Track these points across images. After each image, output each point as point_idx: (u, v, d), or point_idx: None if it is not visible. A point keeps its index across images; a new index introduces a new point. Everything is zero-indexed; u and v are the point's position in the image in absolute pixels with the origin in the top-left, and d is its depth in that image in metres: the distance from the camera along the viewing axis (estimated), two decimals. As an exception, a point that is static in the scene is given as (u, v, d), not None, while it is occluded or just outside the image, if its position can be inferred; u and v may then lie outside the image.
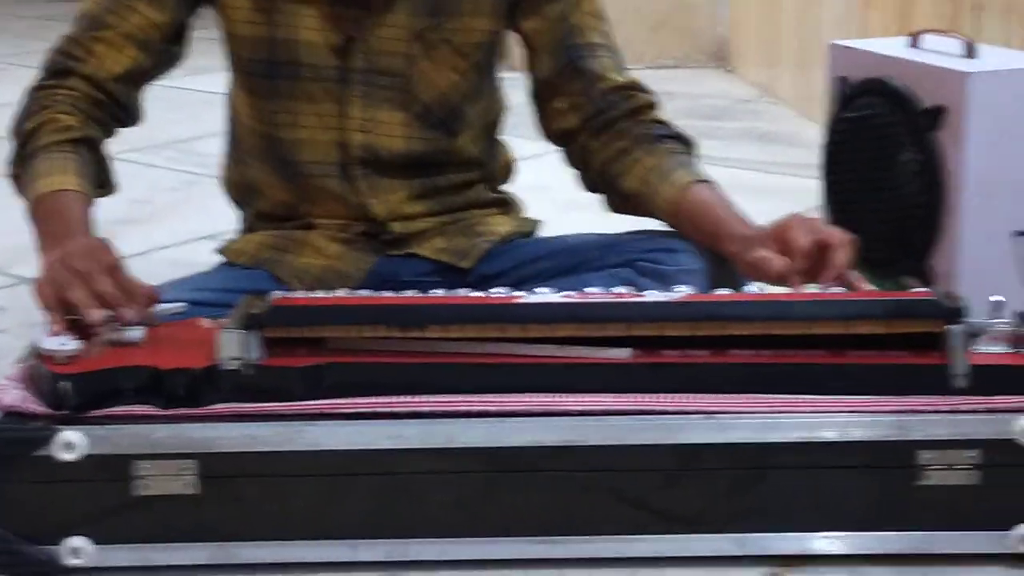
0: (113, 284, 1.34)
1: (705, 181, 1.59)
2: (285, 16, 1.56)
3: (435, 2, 1.58)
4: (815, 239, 1.40)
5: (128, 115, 1.62)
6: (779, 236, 1.42)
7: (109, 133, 1.60)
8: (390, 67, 1.60)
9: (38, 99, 1.56)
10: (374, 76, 1.59)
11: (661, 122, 1.67)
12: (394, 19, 1.57)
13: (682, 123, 1.74)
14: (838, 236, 1.41)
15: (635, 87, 1.67)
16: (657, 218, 1.61)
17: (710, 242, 1.51)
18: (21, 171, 1.53)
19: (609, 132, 1.62)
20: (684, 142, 1.63)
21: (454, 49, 1.61)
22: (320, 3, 1.56)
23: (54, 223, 1.47)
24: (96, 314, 1.30)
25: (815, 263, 1.40)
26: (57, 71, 1.58)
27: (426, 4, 1.57)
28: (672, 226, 1.59)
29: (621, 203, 1.63)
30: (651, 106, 1.64)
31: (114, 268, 1.35)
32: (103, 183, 1.58)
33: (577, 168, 1.66)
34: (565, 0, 1.64)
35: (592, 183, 1.65)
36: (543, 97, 1.65)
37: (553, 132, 1.66)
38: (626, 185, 1.58)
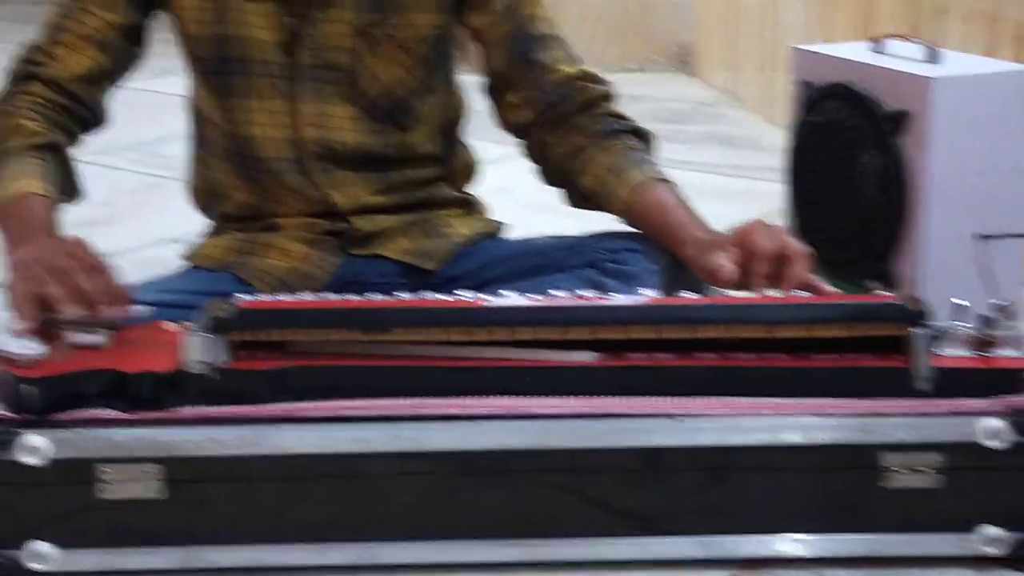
0: (95, 283, 1.31)
1: (661, 180, 1.58)
2: (233, 13, 1.60)
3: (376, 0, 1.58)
4: (777, 245, 1.39)
5: (94, 117, 1.64)
6: (741, 240, 1.45)
7: (74, 138, 1.62)
8: (336, 62, 1.62)
9: (3, 106, 1.57)
10: (321, 71, 1.62)
11: (616, 115, 1.69)
12: (338, 15, 1.60)
13: (651, 127, 1.74)
14: (799, 248, 1.43)
15: (587, 78, 1.70)
16: (616, 216, 1.59)
17: (667, 244, 1.53)
18: None
19: (564, 127, 1.65)
20: (641, 136, 1.65)
21: (398, 44, 1.63)
22: (268, 3, 1.55)
23: (21, 225, 1.47)
24: (73, 311, 1.27)
25: (775, 270, 1.39)
26: (21, 77, 1.60)
27: (368, 2, 1.57)
28: (630, 226, 1.58)
29: (580, 201, 1.67)
30: (605, 97, 1.67)
31: (96, 267, 1.36)
32: (69, 188, 1.59)
33: (536, 163, 1.68)
34: None
35: (551, 178, 1.69)
36: (497, 91, 1.68)
37: (509, 126, 1.70)
38: (583, 184, 1.61)
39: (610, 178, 1.57)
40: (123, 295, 1.38)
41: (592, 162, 1.59)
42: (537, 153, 1.66)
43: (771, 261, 1.44)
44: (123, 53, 1.64)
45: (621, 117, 1.66)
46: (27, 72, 1.60)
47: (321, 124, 1.62)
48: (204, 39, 1.61)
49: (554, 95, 1.62)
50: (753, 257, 1.43)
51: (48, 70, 1.59)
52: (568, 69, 1.65)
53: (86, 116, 1.63)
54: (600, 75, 1.71)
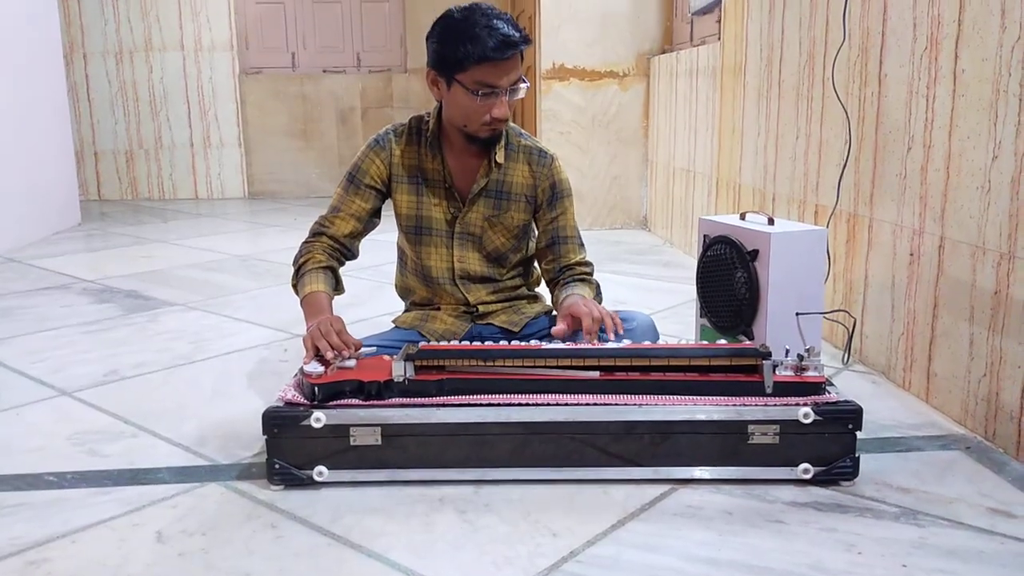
0: (340, 339, 1.32)
1: (576, 295, 1.77)
2: (425, 205, 1.60)
3: (497, 203, 1.64)
4: (590, 311, 1.60)
5: (352, 254, 1.77)
6: (569, 313, 1.65)
7: (341, 264, 1.74)
8: (473, 232, 1.71)
9: (306, 247, 1.71)
10: (465, 236, 1.69)
11: (581, 275, 1.89)
12: (476, 210, 1.68)
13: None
14: (595, 311, 1.63)
15: (579, 263, 1.89)
16: (557, 311, 1.85)
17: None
18: (296, 282, 1.63)
19: (558, 284, 1.95)
20: (588, 281, 1.84)
21: (505, 227, 1.67)
22: (443, 200, 1.58)
23: (312, 308, 1.60)
24: (330, 354, 1.30)
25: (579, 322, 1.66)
26: (315, 233, 1.71)
27: (492, 204, 1.65)
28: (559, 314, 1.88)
29: (556, 307, 1.69)
30: (586, 272, 1.87)
31: (341, 331, 1.44)
32: (337, 289, 1.63)
33: (549, 289, 1.70)
34: (558, 209, 1.81)
35: (551, 296, 1.69)
36: (539, 256, 1.81)
37: (541, 272, 1.76)
38: (554, 300, 1.65)
39: (559, 298, 1.62)
40: (355, 344, 1.37)
41: (556, 294, 1.68)
42: (548, 286, 1.69)
43: (583, 321, 1.60)
44: (369, 222, 1.74)
45: (583, 275, 1.84)
46: (319, 230, 1.70)
47: (463, 262, 1.65)
48: (409, 216, 1.70)
49: (557, 271, 1.83)
50: (575, 319, 1.63)
51: (330, 230, 1.69)
52: (572, 257, 1.90)
53: (348, 254, 1.74)
54: (585, 259, 1.94)
